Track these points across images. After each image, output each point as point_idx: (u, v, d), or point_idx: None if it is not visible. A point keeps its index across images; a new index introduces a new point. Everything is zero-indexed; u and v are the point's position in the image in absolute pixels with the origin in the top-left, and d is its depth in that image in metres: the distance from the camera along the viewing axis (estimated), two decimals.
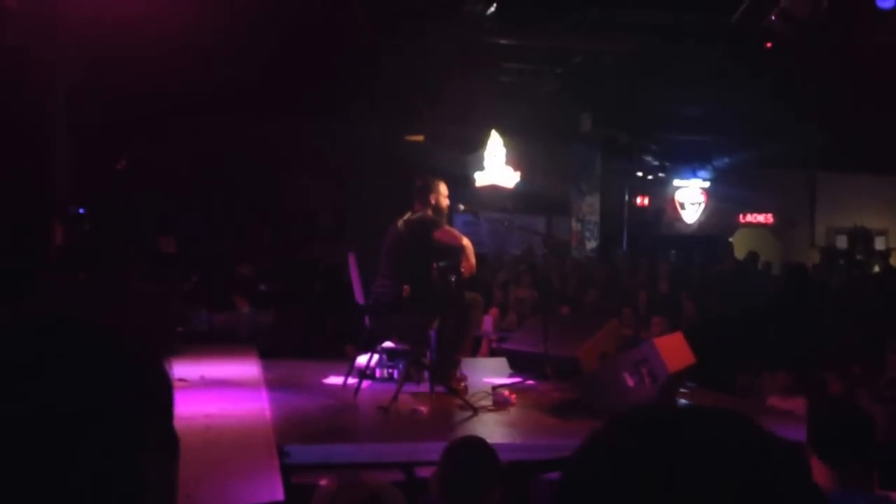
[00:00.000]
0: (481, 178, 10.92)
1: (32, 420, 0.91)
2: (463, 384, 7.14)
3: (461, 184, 10.43)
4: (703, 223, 18.73)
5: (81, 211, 9.87)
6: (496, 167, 10.44)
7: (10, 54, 7.81)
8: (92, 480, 0.92)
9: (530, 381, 7.64)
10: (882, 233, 18.38)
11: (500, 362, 8.69)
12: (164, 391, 1.03)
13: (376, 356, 7.39)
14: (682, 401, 6.94)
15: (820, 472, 2.99)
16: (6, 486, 0.89)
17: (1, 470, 0.89)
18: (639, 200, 18.33)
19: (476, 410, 6.42)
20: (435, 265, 6.93)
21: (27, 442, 0.90)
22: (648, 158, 17.17)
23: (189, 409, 5.89)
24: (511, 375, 7.99)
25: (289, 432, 5.53)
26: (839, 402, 4.78)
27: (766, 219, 19.29)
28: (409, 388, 6.91)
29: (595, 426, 0.90)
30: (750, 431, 0.88)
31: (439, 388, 6.89)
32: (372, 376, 7.35)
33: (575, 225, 18.56)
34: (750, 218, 19.23)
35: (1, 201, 8.06)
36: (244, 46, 10.11)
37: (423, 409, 6.39)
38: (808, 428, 3.13)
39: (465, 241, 6.89)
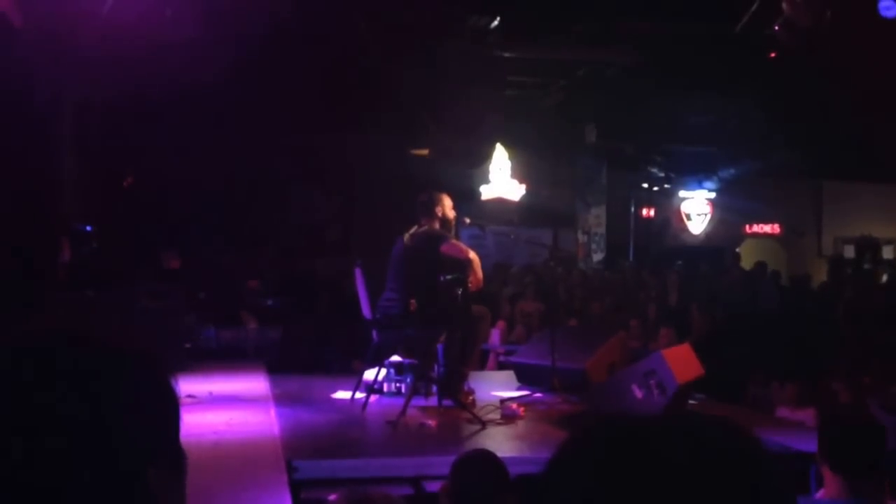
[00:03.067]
0: (487, 192, 10.95)
1: (40, 432, 0.91)
2: (471, 398, 7.13)
3: (467, 197, 10.43)
4: (710, 234, 18.69)
5: (88, 228, 9.89)
6: (502, 180, 10.46)
7: (16, 71, 7.83)
8: (97, 493, 0.92)
9: (538, 394, 7.62)
10: (890, 242, 18.29)
11: (508, 375, 8.67)
12: (170, 407, 1.03)
13: (384, 370, 7.38)
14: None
15: (831, 483, 2.98)
16: (13, 496, 0.89)
17: (8, 480, 0.89)
18: (645, 212, 18.29)
19: (484, 424, 6.40)
20: (442, 279, 6.93)
21: (34, 453, 0.91)
22: (654, 170, 17.16)
23: (198, 425, 5.89)
24: (519, 388, 7.98)
25: (297, 447, 5.53)
26: (849, 413, 4.76)
27: (772, 229, 19.23)
28: (418, 402, 6.91)
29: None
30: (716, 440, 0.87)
31: (447, 402, 6.89)
32: (380, 391, 7.33)
33: (581, 237, 18.54)
34: (756, 228, 19.17)
35: (8, 219, 8.08)
36: (250, 63, 10.14)
37: (432, 423, 6.38)
38: (819, 439, 3.13)
39: (472, 255, 6.89)
